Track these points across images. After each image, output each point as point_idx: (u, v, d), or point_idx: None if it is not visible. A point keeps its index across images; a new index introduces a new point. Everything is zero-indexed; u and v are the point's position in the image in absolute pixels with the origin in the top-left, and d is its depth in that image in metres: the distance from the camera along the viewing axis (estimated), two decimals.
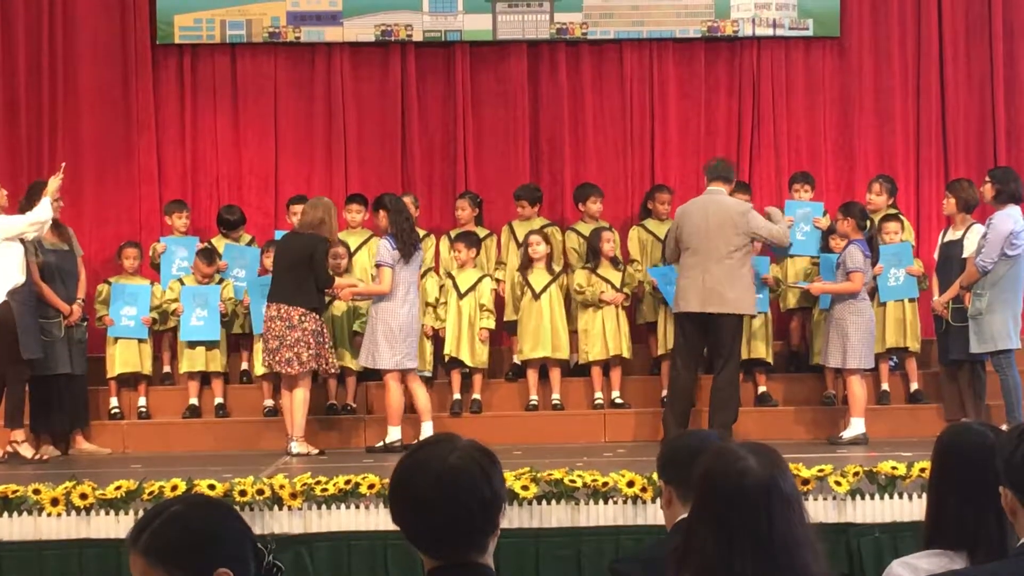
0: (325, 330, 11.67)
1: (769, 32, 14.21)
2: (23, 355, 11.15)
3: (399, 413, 11.65)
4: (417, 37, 14.10)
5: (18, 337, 11.09)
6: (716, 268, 11.50)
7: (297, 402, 11.52)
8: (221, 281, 12.75)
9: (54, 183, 11.56)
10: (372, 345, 11.63)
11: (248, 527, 3.20)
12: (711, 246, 11.52)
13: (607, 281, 12.65)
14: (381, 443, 11.61)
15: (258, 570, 3.15)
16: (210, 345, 12.67)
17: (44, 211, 11.35)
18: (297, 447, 11.45)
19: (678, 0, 14.14)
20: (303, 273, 11.47)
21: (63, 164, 12.00)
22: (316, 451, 11.50)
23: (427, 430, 11.50)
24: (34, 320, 11.39)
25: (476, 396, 12.69)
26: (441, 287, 12.68)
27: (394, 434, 11.54)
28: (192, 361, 12.64)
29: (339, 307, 12.52)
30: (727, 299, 11.52)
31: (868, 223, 11.90)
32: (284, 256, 11.60)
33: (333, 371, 12.08)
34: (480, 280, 12.62)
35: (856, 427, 11.65)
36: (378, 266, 11.72)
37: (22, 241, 11.29)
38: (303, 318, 11.42)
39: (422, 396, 11.79)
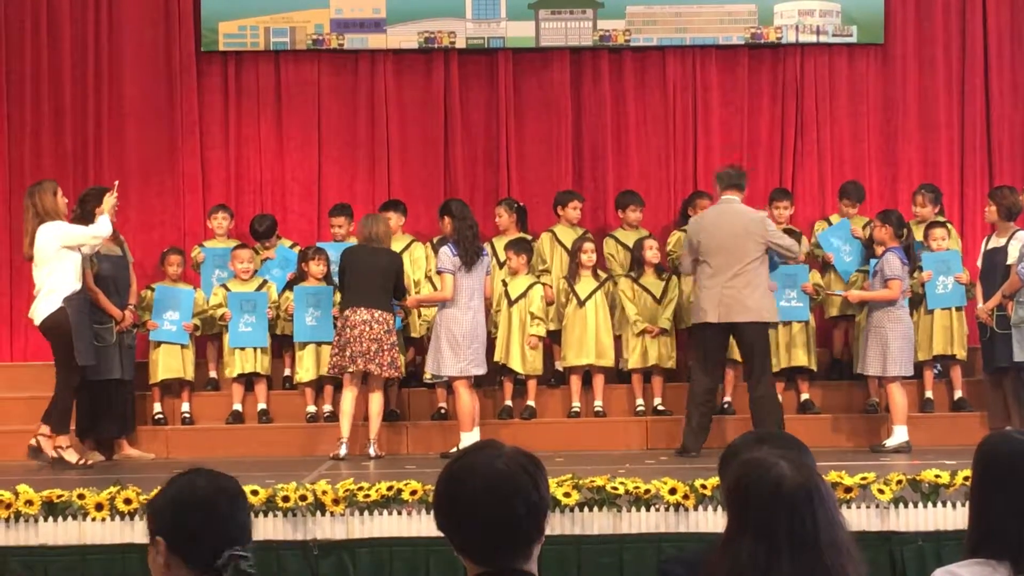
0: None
1: (812, 39, 14.18)
2: (78, 361, 11.22)
3: (472, 418, 11.64)
4: (460, 44, 14.13)
5: (73, 343, 11.16)
6: (736, 278, 11.43)
7: (379, 406, 11.77)
8: (263, 284, 12.81)
9: (109, 201, 11.63)
10: (437, 352, 11.68)
11: (235, 517, 3.54)
12: (731, 257, 11.45)
13: (648, 292, 12.69)
14: (455, 449, 11.54)
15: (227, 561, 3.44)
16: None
17: (104, 227, 11.44)
18: (375, 450, 11.67)
19: (721, 7, 14.13)
20: (388, 285, 11.75)
21: (116, 182, 12.05)
22: (383, 453, 11.76)
23: (476, 435, 11.51)
24: (89, 327, 11.46)
25: (530, 403, 12.72)
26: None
27: (467, 439, 11.44)
28: (240, 363, 12.70)
29: None
30: (749, 307, 11.45)
31: (905, 231, 11.84)
32: (368, 266, 11.72)
33: (399, 375, 12.19)
34: (530, 287, 12.63)
35: (899, 435, 11.59)
36: (439, 273, 11.78)
37: (79, 249, 11.38)
38: (391, 323, 11.67)
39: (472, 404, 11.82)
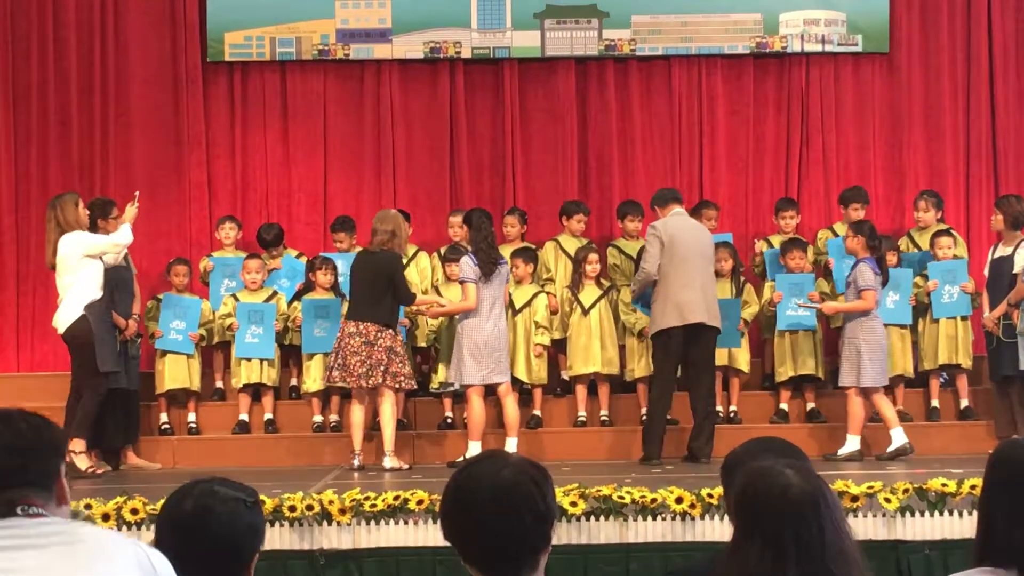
0: (400, 347, 11.72)
1: (818, 48, 14.18)
2: (100, 368, 11.25)
3: (480, 428, 11.65)
4: (466, 54, 14.14)
5: (95, 351, 11.19)
6: (710, 284, 11.80)
7: (387, 416, 11.62)
8: (273, 295, 12.81)
9: (131, 211, 11.70)
10: (458, 362, 11.66)
11: None
12: (704, 261, 11.79)
13: None
14: (462, 458, 11.51)
15: None
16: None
17: (126, 236, 11.55)
18: (390, 461, 11.55)
19: (727, 16, 14.14)
20: (381, 291, 11.55)
21: (137, 193, 12.09)
22: (407, 466, 11.61)
23: (511, 446, 11.50)
24: (110, 334, 11.51)
25: (536, 412, 12.71)
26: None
27: (475, 449, 11.39)
28: (246, 373, 12.71)
29: None
30: (718, 314, 11.77)
31: (878, 242, 11.80)
32: (362, 274, 11.65)
33: (407, 387, 12.01)
34: (535, 296, 12.64)
35: (851, 444, 11.61)
36: (462, 283, 11.75)
37: (101, 258, 11.43)
38: (379, 334, 11.48)
39: (512, 411, 11.81)
